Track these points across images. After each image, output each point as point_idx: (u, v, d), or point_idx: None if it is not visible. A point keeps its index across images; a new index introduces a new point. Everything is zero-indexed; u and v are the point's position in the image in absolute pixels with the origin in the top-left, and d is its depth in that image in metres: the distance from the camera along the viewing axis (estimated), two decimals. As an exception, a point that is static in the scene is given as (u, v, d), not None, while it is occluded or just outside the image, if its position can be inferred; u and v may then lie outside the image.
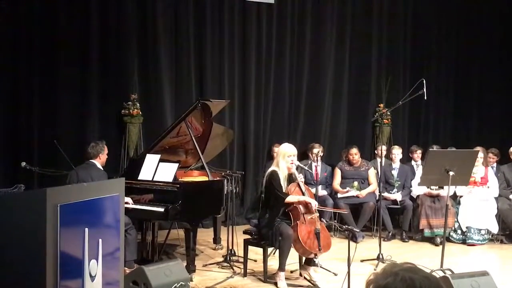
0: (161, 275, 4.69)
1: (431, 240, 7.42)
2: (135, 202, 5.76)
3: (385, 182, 7.74)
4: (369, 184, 7.80)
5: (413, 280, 1.43)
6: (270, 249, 5.81)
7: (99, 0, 7.60)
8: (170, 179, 5.71)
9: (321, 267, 5.83)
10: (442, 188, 7.30)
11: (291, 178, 5.60)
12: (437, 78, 9.96)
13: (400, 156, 8.06)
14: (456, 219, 7.41)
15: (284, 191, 5.45)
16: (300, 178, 5.65)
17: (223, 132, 6.77)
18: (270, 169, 5.62)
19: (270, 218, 5.49)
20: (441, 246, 5.82)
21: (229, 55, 8.48)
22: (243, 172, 7.80)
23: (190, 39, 8.18)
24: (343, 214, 7.47)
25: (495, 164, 8.19)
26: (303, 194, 5.52)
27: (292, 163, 5.52)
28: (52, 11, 7.34)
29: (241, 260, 5.94)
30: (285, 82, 8.93)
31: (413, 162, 8.32)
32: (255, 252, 6.02)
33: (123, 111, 7.62)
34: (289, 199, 5.41)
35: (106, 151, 6.07)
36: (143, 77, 7.87)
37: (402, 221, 7.75)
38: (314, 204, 5.45)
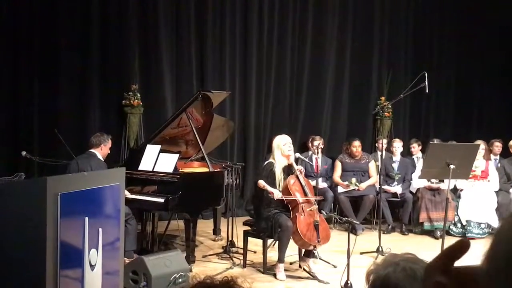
0: (160, 265, 4.70)
1: (431, 233, 7.43)
2: (135, 192, 5.75)
3: (386, 175, 7.73)
4: (369, 177, 7.80)
5: (413, 270, 1.43)
6: (269, 241, 5.81)
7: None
8: (171, 170, 5.70)
9: (320, 259, 5.84)
10: (442, 181, 7.29)
11: (290, 171, 5.60)
12: (438, 71, 9.92)
13: (401, 149, 8.04)
14: (456, 213, 7.41)
15: (282, 182, 5.46)
16: (300, 168, 5.65)
17: (223, 124, 6.77)
18: (266, 162, 5.64)
19: (258, 207, 5.55)
20: (440, 240, 5.84)
21: (230, 46, 8.45)
22: (243, 164, 7.79)
23: (191, 29, 8.16)
24: (343, 206, 7.49)
25: (498, 157, 8.20)
26: (302, 186, 5.52)
27: (289, 150, 5.52)
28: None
29: (241, 251, 5.96)
30: (286, 74, 8.91)
31: (413, 156, 8.31)
32: (255, 244, 6.02)
33: (123, 101, 7.60)
34: (259, 182, 5.49)
35: (109, 144, 6.04)
36: (144, 67, 7.85)
37: (402, 214, 7.75)
38: (277, 194, 5.40)
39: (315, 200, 5.56)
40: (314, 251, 5.66)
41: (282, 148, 5.51)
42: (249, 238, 5.79)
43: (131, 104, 7.57)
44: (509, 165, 7.85)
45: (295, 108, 9.02)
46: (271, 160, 5.60)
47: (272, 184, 5.50)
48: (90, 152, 5.90)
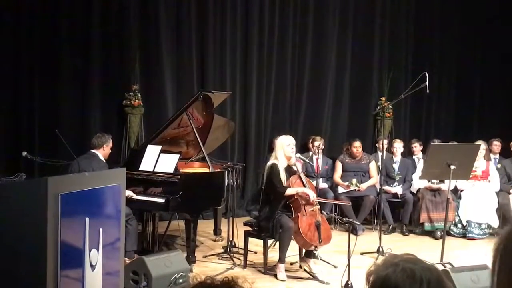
0: (161, 265, 4.70)
1: (431, 233, 7.42)
2: (136, 193, 5.75)
3: (386, 176, 7.73)
4: (370, 178, 7.79)
5: (413, 271, 1.43)
6: (270, 241, 5.81)
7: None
8: (171, 170, 5.70)
9: (321, 259, 5.83)
10: (443, 182, 7.29)
11: (291, 170, 5.60)
12: (439, 71, 9.92)
13: (401, 149, 8.04)
14: (456, 213, 7.40)
15: (285, 183, 5.45)
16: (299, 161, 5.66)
17: (224, 124, 6.76)
18: (269, 163, 5.60)
19: (270, 211, 5.50)
20: (441, 240, 5.83)
21: (231, 46, 8.46)
22: (244, 164, 7.80)
23: (192, 29, 8.17)
24: (344, 207, 7.47)
25: (497, 156, 8.20)
26: (304, 186, 5.51)
27: (292, 151, 5.51)
28: (53, 0, 7.34)
29: (241, 251, 5.96)
30: (287, 74, 8.91)
31: (413, 156, 8.31)
32: (255, 244, 6.03)
33: (124, 101, 7.61)
34: (288, 191, 5.41)
35: (110, 144, 6.05)
36: (145, 68, 7.86)
37: (403, 215, 7.74)
38: (312, 196, 5.44)
39: (315, 200, 5.55)
40: (315, 252, 5.66)
41: (286, 148, 5.50)
42: (250, 239, 5.79)
43: (132, 105, 7.58)
44: (510, 165, 7.84)
45: (296, 108, 9.02)
46: (273, 161, 5.56)
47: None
48: (91, 152, 5.90)
